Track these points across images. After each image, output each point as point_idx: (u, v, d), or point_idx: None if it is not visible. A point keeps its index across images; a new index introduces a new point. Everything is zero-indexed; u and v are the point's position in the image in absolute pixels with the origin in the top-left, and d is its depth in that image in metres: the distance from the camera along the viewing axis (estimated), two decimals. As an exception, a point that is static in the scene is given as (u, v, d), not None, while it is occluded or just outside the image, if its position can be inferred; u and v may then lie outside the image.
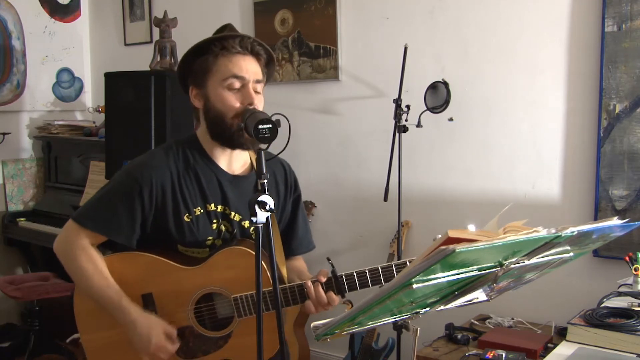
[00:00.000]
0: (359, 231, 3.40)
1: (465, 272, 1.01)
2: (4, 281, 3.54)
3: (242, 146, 1.73)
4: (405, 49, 2.86)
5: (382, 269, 1.65)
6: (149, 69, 3.66)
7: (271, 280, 1.48)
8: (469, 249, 0.91)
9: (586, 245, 1.19)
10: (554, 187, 2.79)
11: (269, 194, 1.38)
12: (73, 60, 4.48)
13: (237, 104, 1.68)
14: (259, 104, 1.70)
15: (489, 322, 2.76)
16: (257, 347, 1.38)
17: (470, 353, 2.33)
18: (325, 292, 1.66)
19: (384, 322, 1.26)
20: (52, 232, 3.71)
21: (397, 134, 2.86)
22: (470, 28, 2.96)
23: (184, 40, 3.52)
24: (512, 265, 1.05)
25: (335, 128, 3.44)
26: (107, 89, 3.42)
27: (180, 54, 3.62)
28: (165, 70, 3.56)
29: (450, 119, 2.99)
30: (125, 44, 4.37)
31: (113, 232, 1.73)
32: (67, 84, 4.47)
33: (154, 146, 3.18)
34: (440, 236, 0.98)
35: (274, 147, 1.54)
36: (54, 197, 4.12)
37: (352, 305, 1.21)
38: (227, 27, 1.78)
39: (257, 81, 1.72)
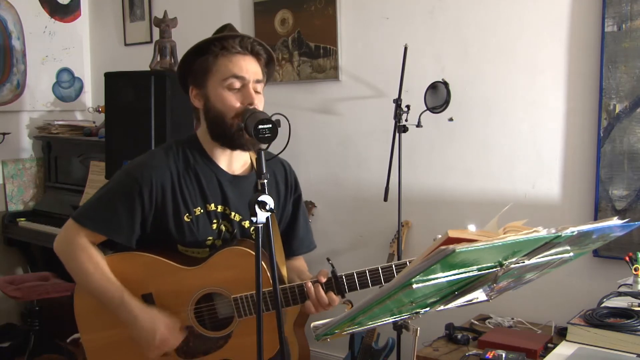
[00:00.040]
0: (359, 231, 3.40)
1: (465, 272, 1.01)
2: (4, 281, 3.54)
3: (242, 147, 1.73)
4: (405, 49, 2.86)
5: (382, 269, 1.65)
6: (149, 69, 3.66)
7: (271, 281, 1.48)
8: (469, 249, 0.91)
9: (586, 245, 1.19)
10: (554, 187, 2.79)
11: (269, 194, 1.38)
12: (73, 60, 4.48)
13: (237, 104, 1.68)
14: (259, 104, 1.70)
15: (489, 322, 2.76)
16: (257, 348, 1.38)
17: (470, 353, 2.33)
18: (325, 292, 1.66)
19: (384, 322, 1.26)
20: (52, 232, 3.70)
21: (397, 134, 2.86)
22: (470, 28, 2.96)
23: (184, 40, 3.52)
24: (512, 265, 1.05)
25: (335, 128, 3.44)
26: (107, 89, 3.42)
27: (180, 54, 3.62)
28: (165, 70, 3.56)
29: (450, 119, 2.99)
30: (125, 44, 4.38)
31: (112, 232, 1.73)
32: (67, 84, 4.47)
33: (154, 146, 3.18)
34: (440, 236, 0.98)
35: (274, 147, 1.54)
36: (54, 197, 4.12)
37: (352, 305, 1.21)
38: (227, 27, 1.78)
39: (257, 81, 1.72)
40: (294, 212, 1.93)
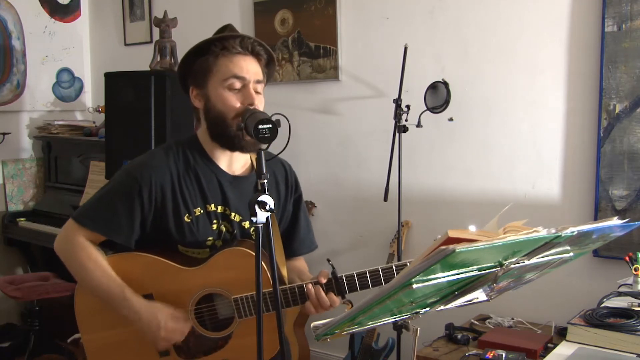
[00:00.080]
0: (359, 231, 3.40)
1: (465, 272, 1.01)
2: (4, 281, 3.54)
3: (242, 149, 1.73)
4: (405, 49, 2.86)
5: (382, 270, 1.64)
6: (149, 69, 3.66)
7: (271, 281, 1.48)
8: (469, 249, 0.91)
9: (586, 245, 1.19)
10: (554, 187, 2.79)
11: (269, 194, 1.37)
12: (73, 60, 4.48)
13: (238, 104, 1.68)
14: (260, 104, 1.70)
15: (489, 322, 2.76)
16: (257, 348, 1.38)
17: (470, 353, 2.33)
18: (326, 293, 1.66)
19: (384, 322, 1.26)
20: (52, 232, 3.70)
21: (397, 134, 2.86)
22: (470, 28, 2.96)
23: (184, 40, 3.52)
24: (512, 265, 1.05)
25: (335, 128, 3.44)
26: (107, 89, 3.42)
27: (180, 54, 3.62)
28: (165, 70, 3.56)
29: (450, 119, 2.99)
30: (125, 44, 4.38)
31: (112, 232, 1.73)
32: (67, 84, 4.47)
33: (154, 146, 3.18)
34: (440, 236, 0.98)
35: (274, 147, 1.54)
36: (54, 197, 4.12)
37: (352, 305, 1.21)
38: (228, 28, 1.78)
39: (258, 81, 1.72)
40: (294, 212, 1.93)
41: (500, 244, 0.96)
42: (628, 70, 2.54)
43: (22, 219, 4.01)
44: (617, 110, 2.58)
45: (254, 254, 1.48)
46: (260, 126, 1.45)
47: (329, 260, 1.69)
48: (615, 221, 1.11)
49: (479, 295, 1.19)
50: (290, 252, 1.91)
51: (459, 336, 2.56)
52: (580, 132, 2.72)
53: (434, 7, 3.05)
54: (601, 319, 1.68)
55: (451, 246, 0.88)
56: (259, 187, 1.40)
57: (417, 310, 1.20)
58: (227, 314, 1.74)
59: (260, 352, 1.38)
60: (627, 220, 1.14)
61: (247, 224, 1.80)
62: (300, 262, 1.96)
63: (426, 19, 3.08)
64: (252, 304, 1.68)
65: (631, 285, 2.03)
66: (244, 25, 3.68)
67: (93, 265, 1.72)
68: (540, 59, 2.78)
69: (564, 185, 2.77)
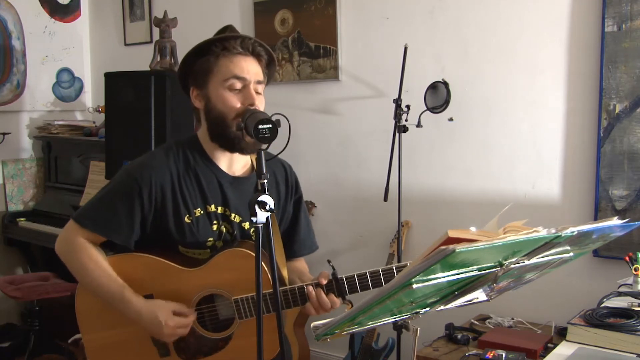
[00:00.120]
0: (359, 231, 3.40)
1: (465, 272, 1.01)
2: (4, 281, 3.54)
3: (242, 151, 1.73)
4: (405, 49, 2.87)
5: (382, 271, 1.64)
6: (149, 69, 3.66)
7: (271, 281, 1.48)
8: (469, 249, 0.91)
9: (586, 245, 1.19)
10: (554, 187, 2.79)
11: (269, 194, 1.37)
12: (73, 60, 4.48)
13: (238, 105, 1.68)
14: (260, 104, 1.70)
15: (489, 322, 2.76)
16: (257, 349, 1.38)
17: (470, 353, 2.33)
18: (326, 294, 1.66)
19: (384, 322, 1.26)
20: (52, 232, 3.70)
21: (397, 134, 2.86)
22: (470, 28, 2.96)
23: (184, 40, 3.52)
24: (512, 265, 1.05)
25: (335, 128, 3.44)
26: (107, 89, 3.42)
27: (180, 54, 3.63)
28: (165, 70, 3.56)
29: (450, 119, 2.99)
30: (125, 44, 4.38)
31: (112, 233, 1.73)
32: (67, 84, 4.47)
33: (154, 146, 3.18)
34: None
35: (274, 147, 1.54)
36: (54, 197, 4.12)
37: (352, 305, 1.21)
38: (229, 29, 1.78)
39: (258, 82, 1.72)
40: (294, 213, 1.93)
41: (500, 244, 0.96)
42: (628, 70, 2.54)
43: (22, 219, 4.01)
44: (617, 110, 2.58)
45: (254, 254, 1.48)
46: (260, 126, 1.45)
47: (329, 262, 1.69)
48: (615, 221, 1.11)
49: (479, 295, 1.19)
50: (291, 253, 1.91)
51: (459, 336, 2.56)
52: (580, 132, 2.72)
53: (434, 7, 3.05)
54: (601, 319, 1.68)
55: (451, 246, 0.88)
56: (259, 187, 1.40)
57: (417, 310, 1.20)
58: (227, 315, 1.74)
59: (260, 352, 1.38)
60: (627, 220, 1.14)
61: (247, 225, 1.80)
62: (301, 263, 1.96)
63: (426, 19, 3.08)
64: (253, 305, 1.68)
65: (631, 285, 2.03)
66: (244, 25, 3.68)
67: (93, 266, 1.72)
68: (540, 59, 2.78)
69: (564, 185, 2.77)
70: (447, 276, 0.99)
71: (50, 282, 3.56)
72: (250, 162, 1.84)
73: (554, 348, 1.69)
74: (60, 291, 3.41)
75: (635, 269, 2.02)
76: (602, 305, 1.88)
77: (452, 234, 0.98)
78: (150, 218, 1.73)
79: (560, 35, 2.72)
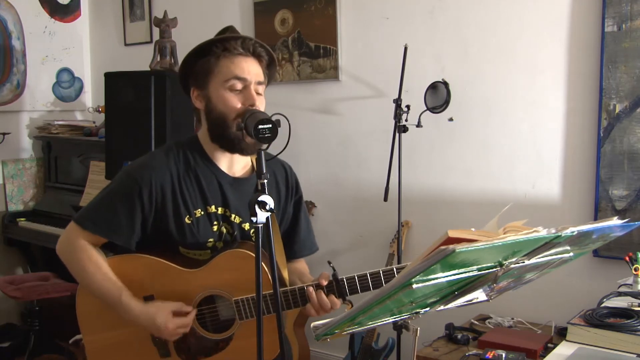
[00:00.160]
0: (359, 231, 3.40)
1: (465, 272, 1.01)
2: (4, 281, 3.54)
3: (242, 152, 1.73)
4: (405, 49, 2.87)
5: (383, 272, 1.64)
6: (149, 69, 3.66)
7: (271, 280, 1.48)
8: (469, 249, 0.91)
9: (586, 245, 1.19)
10: (554, 187, 2.79)
11: (269, 195, 1.37)
12: (73, 60, 4.48)
13: (239, 105, 1.68)
14: (261, 105, 1.70)
15: (489, 322, 2.76)
16: (257, 350, 1.38)
17: (470, 353, 2.33)
18: (327, 295, 1.66)
19: (384, 322, 1.26)
20: (52, 232, 3.71)
21: (397, 134, 2.86)
22: (470, 28, 2.96)
23: (184, 40, 3.52)
24: (512, 265, 1.05)
25: (335, 128, 3.44)
26: (107, 89, 3.42)
27: (180, 54, 3.63)
28: (165, 70, 3.56)
29: (450, 119, 3.00)
30: (125, 44, 4.38)
31: (113, 234, 1.73)
32: (67, 84, 4.47)
33: (154, 146, 3.18)
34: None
35: (274, 148, 1.54)
36: (54, 197, 4.12)
37: (352, 306, 1.21)
38: (229, 29, 1.78)
39: (259, 83, 1.72)
40: (295, 214, 1.93)
41: (500, 244, 0.96)
42: (628, 70, 2.54)
43: (22, 219, 4.01)
44: (617, 110, 2.58)
45: (254, 255, 1.48)
46: (260, 126, 1.45)
47: (329, 263, 1.69)
48: (615, 221, 1.11)
49: (479, 295, 1.19)
50: (291, 254, 1.91)
51: (459, 336, 2.56)
52: (580, 132, 2.72)
53: (434, 7, 3.05)
54: (601, 319, 1.68)
55: (451, 246, 0.88)
56: (259, 187, 1.40)
57: (417, 310, 1.20)
58: (228, 316, 1.74)
59: (260, 353, 1.38)
60: (627, 220, 1.14)
61: (247, 226, 1.80)
62: (301, 264, 1.96)
63: (426, 19, 3.08)
64: (253, 306, 1.68)
65: (631, 285, 2.03)
66: (244, 25, 3.68)
67: (93, 268, 1.72)
68: (540, 59, 2.78)
69: (564, 185, 2.77)
70: (447, 276, 0.99)
71: (50, 282, 3.56)
72: (250, 163, 1.84)
73: (554, 348, 1.69)
74: (60, 291, 3.41)
75: (635, 269, 2.02)
76: (602, 305, 1.88)
77: (452, 234, 0.98)
78: (150, 219, 1.73)
79: (560, 35, 2.73)
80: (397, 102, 2.86)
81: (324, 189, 3.49)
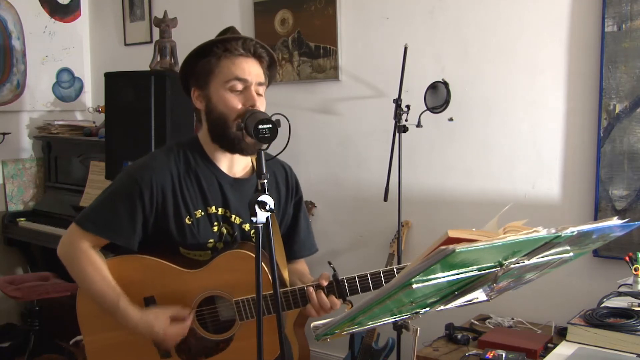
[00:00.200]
0: (359, 231, 3.40)
1: (465, 272, 1.01)
2: (4, 281, 3.54)
3: (242, 152, 1.73)
4: (405, 49, 2.87)
5: (383, 272, 1.64)
6: (149, 69, 3.66)
7: (271, 280, 1.48)
8: (469, 249, 0.91)
9: (586, 245, 1.19)
10: (554, 187, 2.79)
11: (269, 195, 1.37)
12: (73, 60, 4.48)
13: (239, 106, 1.68)
14: (261, 106, 1.70)
15: (489, 322, 2.76)
16: (257, 350, 1.38)
17: (470, 353, 2.33)
18: (327, 295, 1.66)
19: (384, 322, 1.27)
20: (52, 232, 3.71)
21: (397, 134, 2.86)
22: (470, 28, 2.96)
23: (184, 40, 3.52)
24: (512, 265, 1.05)
25: (335, 128, 3.44)
26: (107, 89, 3.42)
27: (180, 54, 3.63)
28: (165, 70, 3.56)
29: (450, 119, 3.00)
30: (125, 44, 4.38)
31: (114, 235, 1.73)
32: (67, 84, 4.47)
33: (154, 146, 3.18)
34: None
35: (274, 148, 1.54)
36: (54, 197, 4.12)
37: (353, 306, 1.21)
38: (230, 30, 1.78)
39: (259, 83, 1.72)
40: (295, 214, 1.93)
41: (500, 244, 0.96)
42: (628, 70, 2.54)
43: (22, 219, 4.01)
44: (617, 110, 2.58)
45: (255, 256, 1.48)
46: (260, 126, 1.45)
47: (330, 263, 1.69)
48: (615, 221, 1.11)
49: (479, 295, 1.19)
50: (291, 255, 1.91)
51: (459, 336, 2.56)
52: (580, 132, 2.72)
53: (434, 7, 3.05)
54: (601, 319, 1.68)
55: (451, 246, 0.88)
56: (259, 187, 1.40)
57: (417, 310, 1.20)
58: (228, 316, 1.74)
59: (260, 354, 1.38)
60: (627, 220, 1.14)
61: (247, 226, 1.80)
62: (302, 265, 1.96)
63: (426, 19, 3.08)
64: (254, 306, 1.68)
65: (631, 285, 2.03)
66: (244, 25, 3.68)
67: (93, 272, 1.72)
68: (540, 59, 2.78)
69: (564, 185, 2.77)
70: (447, 276, 0.99)
71: (50, 282, 3.56)
72: (250, 164, 1.84)
73: (554, 348, 1.69)
74: (60, 291, 3.41)
75: (635, 269, 2.02)
76: (602, 305, 1.88)
77: (452, 234, 0.98)
78: (151, 220, 1.73)
79: (560, 35, 2.73)
80: (397, 102, 2.86)
81: (324, 189, 3.49)
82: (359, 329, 1.22)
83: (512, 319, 2.77)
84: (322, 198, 3.48)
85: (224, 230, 1.78)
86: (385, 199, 2.82)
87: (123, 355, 1.78)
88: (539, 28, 2.78)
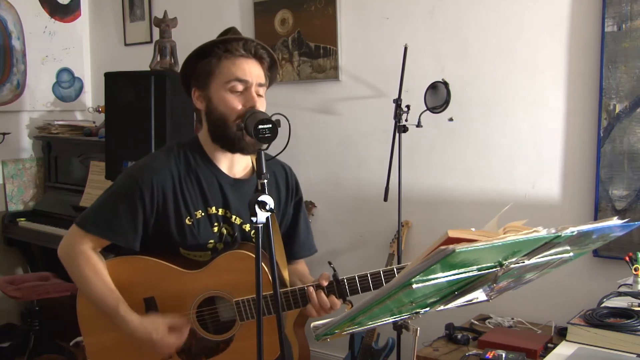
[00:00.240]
0: (359, 231, 3.40)
1: (465, 272, 1.01)
2: (4, 281, 3.54)
3: (243, 151, 1.73)
4: (405, 49, 2.87)
5: (383, 272, 1.64)
6: (149, 69, 3.66)
7: (271, 279, 1.48)
8: (469, 249, 0.91)
9: (586, 245, 1.19)
10: (554, 187, 2.79)
11: (268, 195, 1.38)
12: (73, 60, 4.48)
13: (239, 107, 1.68)
14: (261, 107, 1.70)
15: (489, 322, 2.76)
16: (257, 351, 1.38)
17: (470, 353, 2.33)
18: (327, 295, 1.66)
19: (384, 322, 1.27)
20: (52, 232, 3.71)
21: (397, 134, 2.86)
22: (470, 28, 2.96)
23: (184, 40, 3.52)
24: (512, 265, 1.05)
25: (335, 128, 3.44)
26: (107, 89, 3.42)
27: (180, 54, 3.63)
28: (165, 70, 3.56)
29: (450, 119, 3.00)
30: (125, 44, 4.38)
31: (115, 236, 1.73)
32: (67, 84, 4.47)
33: (154, 146, 3.18)
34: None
35: (274, 148, 1.54)
36: (54, 197, 4.12)
37: (353, 306, 1.21)
38: (231, 31, 1.78)
39: (260, 85, 1.72)
40: (294, 215, 1.93)
41: (500, 244, 0.96)
42: (628, 70, 2.54)
43: (22, 219, 4.01)
44: (617, 110, 2.58)
45: (255, 256, 1.48)
46: (260, 126, 1.45)
47: (330, 263, 1.69)
48: (615, 221, 1.11)
49: (479, 295, 1.19)
50: (291, 255, 1.91)
51: (459, 336, 2.56)
52: (580, 132, 2.72)
53: (434, 7, 3.05)
54: (601, 319, 1.68)
55: (451, 246, 0.88)
56: (259, 187, 1.40)
57: (417, 310, 1.20)
58: (228, 317, 1.74)
59: (260, 354, 1.38)
60: (627, 220, 1.14)
61: (247, 227, 1.80)
62: (301, 266, 1.96)
63: (426, 19, 3.08)
64: (254, 307, 1.68)
65: (631, 285, 2.03)
66: (244, 25, 3.68)
67: (93, 275, 1.72)
68: (540, 59, 2.78)
69: (564, 185, 2.77)
70: (447, 276, 0.99)
71: (50, 282, 3.56)
72: (250, 164, 1.84)
73: (554, 348, 1.69)
74: (60, 291, 3.41)
75: (635, 269, 2.02)
76: (602, 305, 1.88)
77: (452, 234, 0.98)
78: (151, 220, 1.73)
79: (560, 35, 2.72)
80: (397, 102, 2.86)
81: (324, 189, 3.49)
82: (359, 329, 1.22)
83: (512, 319, 2.77)
84: (322, 198, 3.48)
85: (224, 231, 1.78)
86: (385, 199, 2.82)
87: (123, 356, 1.77)
88: (539, 28, 2.78)
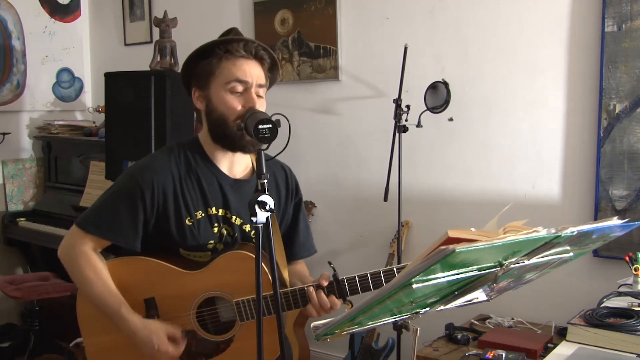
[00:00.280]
0: (359, 231, 3.40)
1: (465, 272, 1.01)
2: (4, 281, 3.54)
3: (243, 149, 1.73)
4: (405, 49, 2.87)
5: (383, 272, 1.64)
6: (149, 69, 3.66)
7: (271, 279, 1.48)
8: (469, 249, 0.91)
9: (586, 245, 1.19)
10: (554, 187, 2.79)
11: (268, 195, 1.38)
12: (73, 60, 4.48)
13: (239, 107, 1.68)
14: (261, 107, 1.70)
15: (489, 322, 2.76)
16: (257, 351, 1.38)
17: (470, 353, 2.33)
18: (327, 295, 1.66)
19: (384, 322, 1.27)
20: (52, 232, 3.71)
21: (397, 134, 2.86)
22: (470, 28, 2.96)
23: (184, 40, 3.52)
24: (512, 265, 1.05)
25: (335, 128, 3.44)
26: (107, 89, 3.42)
27: (180, 54, 3.63)
28: (165, 70, 3.56)
29: (450, 119, 3.00)
30: (125, 44, 4.38)
31: (116, 237, 1.73)
32: (67, 84, 4.47)
33: (154, 146, 3.18)
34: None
35: (274, 148, 1.54)
36: (54, 197, 4.13)
37: (353, 306, 1.21)
38: (232, 31, 1.78)
39: (260, 85, 1.72)
40: (294, 215, 1.93)
41: (500, 244, 0.96)
42: (628, 70, 2.54)
43: (22, 219, 4.01)
44: (617, 110, 2.58)
45: (255, 256, 1.48)
46: (260, 126, 1.45)
47: (330, 263, 1.69)
48: (615, 221, 1.11)
49: (479, 295, 1.19)
50: (291, 256, 1.91)
51: (459, 336, 2.56)
52: (580, 132, 2.72)
53: (434, 7, 3.05)
54: (601, 319, 1.68)
55: (451, 246, 0.88)
56: (259, 187, 1.40)
57: (417, 310, 1.20)
58: (229, 317, 1.74)
59: (260, 354, 1.38)
60: (627, 220, 1.14)
61: (247, 227, 1.80)
62: (301, 266, 1.96)
63: (426, 19, 3.08)
64: (254, 307, 1.68)
65: (631, 285, 2.03)
66: (244, 25, 3.68)
67: (93, 275, 1.72)
68: (540, 59, 2.78)
69: (564, 185, 2.77)
70: (447, 276, 0.99)
71: (50, 282, 3.56)
72: (250, 165, 1.84)
73: (554, 348, 1.69)
74: (60, 291, 3.41)
75: (635, 269, 2.02)
76: (602, 305, 1.88)
77: (452, 234, 0.98)
78: (152, 221, 1.73)
79: (560, 35, 2.72)
80: (397, 102, 2.86)
81: (324, 189, 3.49)
82: (359, 329, 1.22)
83: (512, 319, 2.77)
84: (322, 198, 3.48)
85: (224, 232, 1.78)
86: (385, 199, 2.82)
87: (123, 357, 1.77)
88: (539, 28, 2.78)
